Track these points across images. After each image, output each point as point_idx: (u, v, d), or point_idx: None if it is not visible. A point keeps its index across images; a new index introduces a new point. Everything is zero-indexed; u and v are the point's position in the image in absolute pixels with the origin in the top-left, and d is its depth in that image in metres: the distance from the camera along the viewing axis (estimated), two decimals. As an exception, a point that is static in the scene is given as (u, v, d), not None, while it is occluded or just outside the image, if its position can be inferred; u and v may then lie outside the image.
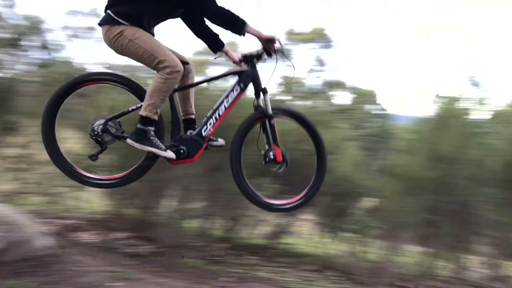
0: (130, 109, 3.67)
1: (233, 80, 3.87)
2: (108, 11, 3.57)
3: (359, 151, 8.50)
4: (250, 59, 3.83)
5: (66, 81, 3.65)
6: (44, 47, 9.03)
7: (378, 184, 7.64)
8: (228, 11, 3.56)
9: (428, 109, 7.88)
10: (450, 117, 7.55)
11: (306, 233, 8.39)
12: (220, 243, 7.53)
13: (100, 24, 3.63)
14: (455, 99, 7.66)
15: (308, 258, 7.73)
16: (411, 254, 7.76)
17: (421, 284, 7.21)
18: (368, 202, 7.95)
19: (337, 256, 7.80)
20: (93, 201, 7.97)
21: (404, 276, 7.34)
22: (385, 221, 7.61)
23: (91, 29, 12.46)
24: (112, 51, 3.68)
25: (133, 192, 7.29)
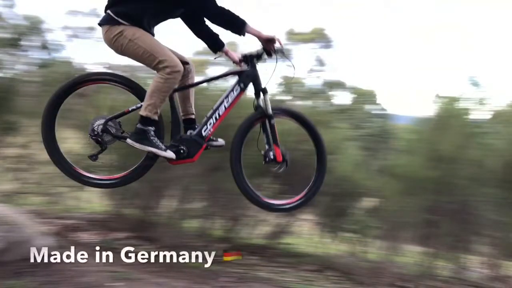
0: (130, 109, 3.68)
1: (233, 80, 3.88)
2: (108, 11, 3.57)
3: (359, 151, 8.48)
4: (250, 59, 3.84)
5: (66, 81, 3.66)
6: (44, 47, 9.01)
7: (378, 184, 7.62)
8: (228, 11, 3.56)
9: (428, 109, 7.89)
10: (450, 117, 7.54)
11: (306, 233, 8.36)
12: (220, 243, 7.52)
13: (100, 24, 3.63)
14: (455, 99, 7.65)
15: (308, 258, 7.71)
16: (411, 254, 7.74)
17: (421, 284, 7.20)
18: (368, 202, 7.94)
19: (337, 256, 7.78)
20: (93, 201, 7.96)
21: (404, 276, 7.32)
22: (385, 221, 7.60)
23: (91, 29, 12.41)
24: (112, 51, 3.69)
25: (133, 192, 7.29)
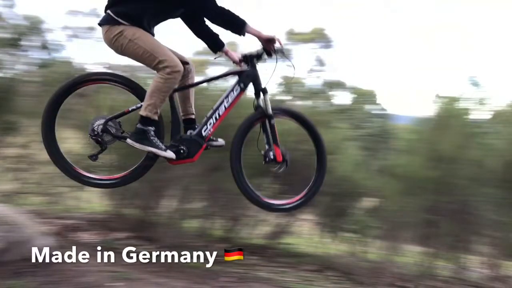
0: (130, 109, 3.68)
1: (233, 80, 3.88)
2: (108, 11, 3.57)
3: (359, 151, 8.50)
4: (250, 59, 3.84)
5: (66, 81, 3.66)
6: (44, 47, 9.01)
7: (378, 184, 7.62)
8: (228, 11, 3.57)
9: (428, 109, 7.89)
10: (450, 117, 7.54)
11: (306, 233, 8.37)
12: (220, 243, 7.52)
13: (100, 24, 3.63)
14: (455, 99, 7.65)
15: (308, 258, 7.72)
16: (411, 254, 7.74)
17: (421, 284, 7.21)
18: (368, 202, 7.95)
19: (337, 256, 7.79)
20: (93, 201, 7.96)
21: (404, 276, 7.33)
22: (385, 221, 7.60)
23: (91, 29, 12.38)
24: (112, 51, 3.69)
25: (133, 192, 7.29)
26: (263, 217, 7.78)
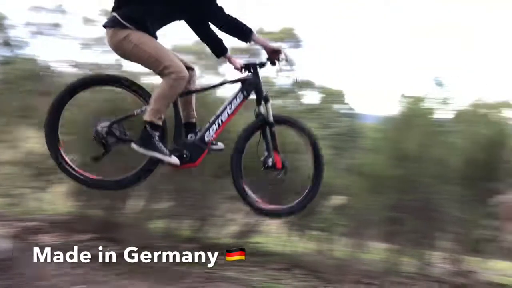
0: (135, 112, 3.65)
1: (236, 87, 3.90)
2: (115, 14, 3.50)
3: (328, 150, 8.57)
4: (253, 68, 3.87)
5: (70, 83, 3.61)
6: (7, 43, 8.76)
7: (346, 183, 7.72)
8: (235, 18, 3.59)
9: (394, 109, 8.06)
10: (414, 116, 7.73)
11: (274, 232, 8.40)
12: (187, 243, 7.45)
13: (105, 26, 3.55)
14: (420, 99, 7.84)
15: (276, 256, 7.76)
16: (376, 251, 7.89)
17: (386, 281, 7.36)
18: (336, 200, 8.03)
19: (305, 254, 7.85)
20: (57, 202, 7.75)
21: (370, 273, 7.47)
22: (352, 219, 7.70)
23: (56, 25, 12.02)
24: (112, 51, 3.64)
25: (98, 192, 7.11)
26: (231, 217, 7.76)
